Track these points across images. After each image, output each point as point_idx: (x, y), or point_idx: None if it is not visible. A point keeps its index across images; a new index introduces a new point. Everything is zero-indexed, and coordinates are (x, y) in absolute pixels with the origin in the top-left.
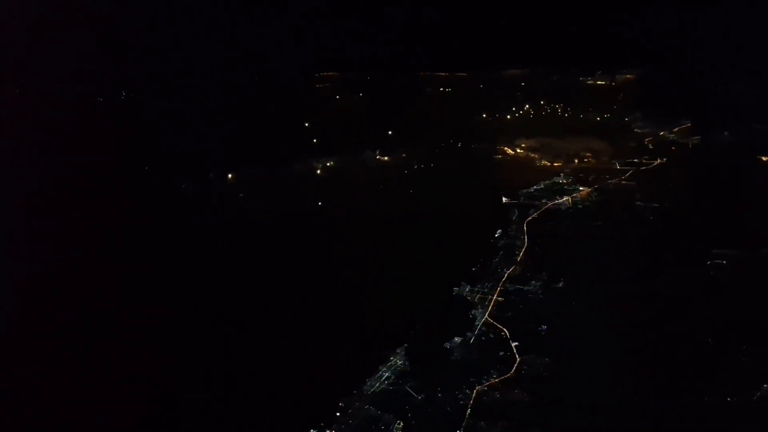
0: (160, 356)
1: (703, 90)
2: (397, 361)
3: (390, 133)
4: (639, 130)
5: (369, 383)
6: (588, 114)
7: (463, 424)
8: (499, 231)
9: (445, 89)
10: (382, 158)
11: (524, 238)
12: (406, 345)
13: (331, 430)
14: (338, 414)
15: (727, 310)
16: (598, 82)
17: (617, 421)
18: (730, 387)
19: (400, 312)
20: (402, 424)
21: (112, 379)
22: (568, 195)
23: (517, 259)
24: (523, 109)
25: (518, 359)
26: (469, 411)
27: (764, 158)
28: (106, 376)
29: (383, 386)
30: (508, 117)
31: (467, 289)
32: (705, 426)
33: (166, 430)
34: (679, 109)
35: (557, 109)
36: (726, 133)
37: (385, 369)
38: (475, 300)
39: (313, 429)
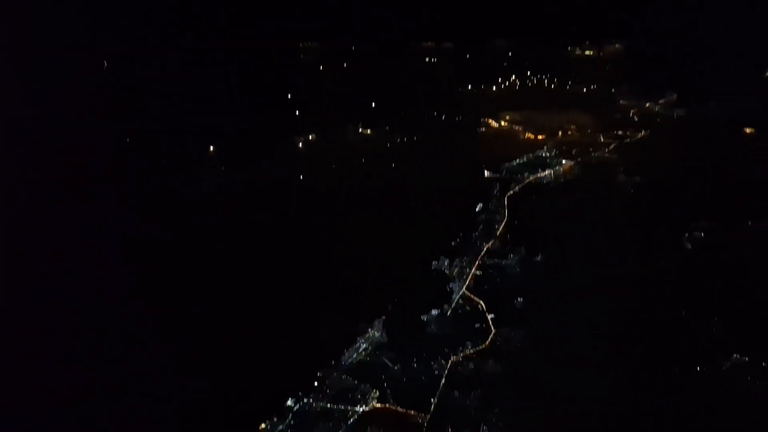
0: (132, 327)
1: (691, 61)
2: (375, 333)
3: (373, 105)
4: (624, 102)
5: (347, 354)
6: (574, 85)
7: (437, 394)
8: (480, 205)
9: (430, 59)
10: (364, 131)
11: (505, 212)
12: (384, 317)
13: (308, 399)
14: (316, 384)
15: (701, 282)
16: (586, 53)
17: (588, 391)
18: (701, 357)
19: (380, 285)
20: (378, 393)
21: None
22: (550, 169)
23: (496, 234)
24: (509, 81)
25: (493, 331)
26: (443, 381)
27: (748, 130)
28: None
29: (360, 357)
30: (494, 88)
31: (446, 263)
32: (676, 395)
33: (140, 394)
34: (665, 81)
35: (543, 80)
36: (712, 104)
37: (362, 340)
38: (454, 274)
39: (291, 398)
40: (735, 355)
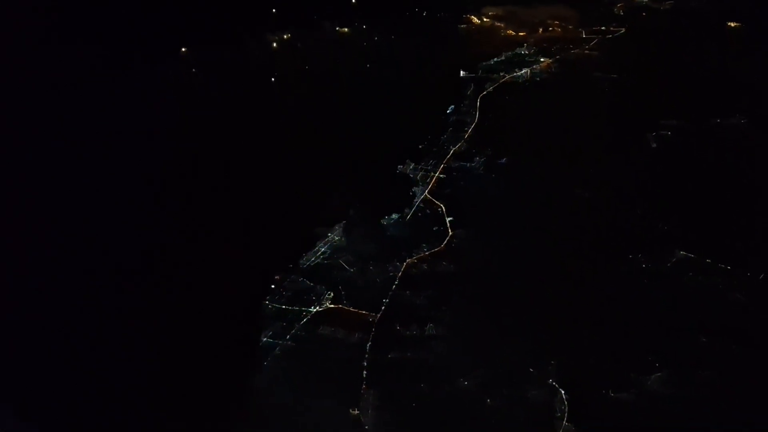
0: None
1: None
2: (335, 237)
3: (353, 1)
4: None
5: (305, 258)
6: None
7: (390, 293)
8: (452, 107)
9: None
10: (341, 30)
11: (476, 113)
12: (344, 222)
13: (264, 301)
14: (273, 286)
15: (660, 181)
16: None
17: (538, 290)
18: (648, 254)
19: (343, 190)
20: (332, 294)
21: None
22: (527, 67)
23: (465, 136)
24: None
25: (450, 233)
26: (396, 282)
27: (732, 24)
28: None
29: (318, 260)
30: None
31: (411, 167)
32: (618, 291)
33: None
34: None
35: None
36: None
37: (322, 244)
38: (418, 177)
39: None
40: (681, 252)
